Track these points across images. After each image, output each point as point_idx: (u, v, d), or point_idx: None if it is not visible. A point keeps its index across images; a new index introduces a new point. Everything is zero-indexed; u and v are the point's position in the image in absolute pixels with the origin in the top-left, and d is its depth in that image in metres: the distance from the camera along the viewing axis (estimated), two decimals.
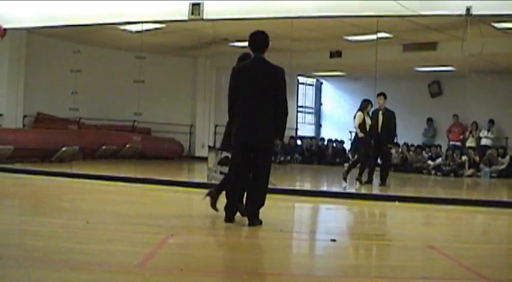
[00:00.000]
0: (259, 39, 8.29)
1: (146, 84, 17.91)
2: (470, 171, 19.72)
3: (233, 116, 8.21)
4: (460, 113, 21.78)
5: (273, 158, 20.37)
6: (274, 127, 8.09)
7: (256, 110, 8.04)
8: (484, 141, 21.53)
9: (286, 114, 8.14)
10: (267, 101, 8.03)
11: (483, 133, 21.65)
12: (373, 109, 15.38)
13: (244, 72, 8.25)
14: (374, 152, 15.33)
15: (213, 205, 8.62)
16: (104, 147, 20.32)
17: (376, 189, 14.41)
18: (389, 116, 15.08)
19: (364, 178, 15.10)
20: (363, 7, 13.45)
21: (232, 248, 7.27)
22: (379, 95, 15.21)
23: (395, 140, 16.04)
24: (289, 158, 23.84)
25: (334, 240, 7.37)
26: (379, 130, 15.07)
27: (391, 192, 13.75)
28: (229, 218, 8.14)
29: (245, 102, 8.06)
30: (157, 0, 15.10)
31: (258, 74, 8.14)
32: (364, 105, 15.14)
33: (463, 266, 6.14)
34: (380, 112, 15.14)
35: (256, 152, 8.13)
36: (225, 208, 8.17)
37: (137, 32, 17.41)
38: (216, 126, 20.74)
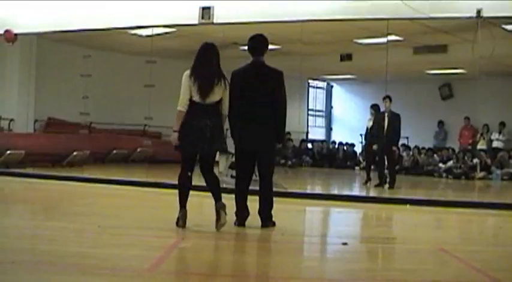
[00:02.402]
0: (258, 41, 8.30)
1: (157, 88, 17.93)
2: (481, 174, 19.66)
3: (232, 119, 8.23)
4: (471, 115, 21.74)
5: (283, 161, 20.41)
6: (274, 130, 8.12)
7: (255, 114, 8.05)
8: (495, 144, 21.50)
9: (285, 117, 8.15)
10: (267, 104, 8.05)
11: (494, 135, 21.61)
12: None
13: (243, 76, 8.26)
14: (380, 154, 15.44)
15: None
16: (114, 151, 20.35)
17: (387, 193, 14.37)
18: (395, 118, 15.10)
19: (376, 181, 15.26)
20: (373, 10, 13.44)
21: (243, 251, 7.26)
22: (384, 98, 15.27)
23: (399, 142, 16.07)
24: (300, 160, 23.86)
25: (345, 244, 7.35)
26: (385, 132, 15.13)
27: (402, 195, 13.71)
28: (240, 221, 8.14)
29: (245, 106, 8.06)
30: (167, 5, 15.14)
31: (257, 78, 8.15)
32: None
33: (474, 269, 6.12)
34: (386, 115, 15.18)
35: (259, 156, 8.16)
36: (236, 212, 8.17)
37: (147, 36, 17.47)
38: (227, 130, 20.77)
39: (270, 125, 8.08)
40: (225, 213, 7.69)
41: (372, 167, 16.18)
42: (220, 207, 7.75)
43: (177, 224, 7.90)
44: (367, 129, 16.37)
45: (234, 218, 8.14)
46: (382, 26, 14.63)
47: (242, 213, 8.13)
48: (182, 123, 7.84)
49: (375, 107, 16.02)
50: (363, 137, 16.47)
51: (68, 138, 18.60)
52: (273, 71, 8.22)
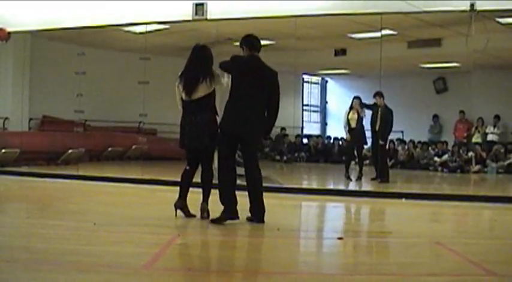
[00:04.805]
0: (255, 38, 8.34)
1: (151, 85, 17.91)
2: (476, 167, 19.68)
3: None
4: (465, 109, 21.75)
5: (278, 157, 20.36)
6: (260, 124, 8.11)
7: (245, 103, 8.05)
8: (490, 137, 21.52)
9: (275, 118, 8.19)
10: (258, 99, 8.06)
11: (489, 129, 21.63)
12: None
13: (243, 64, 8.24)
14: (375, 148, 15.44)
15: None
16: (109, 149, 20.34)
17: (381, 187, 14.37)
18: (387, 113, 15.07)
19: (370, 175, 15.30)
20: (366, 4, 13.45)
21: (239, 247, 7.27)
22: (375, 95, 15.18)
23: (389, 136, 15.86)
24: (295, 156, 23.87)
25: (341, 238, 7.37)
26: (377, 127, 15.09)
27: (397, 189, 13.72)
28: (227, 214, 7.99)
29: (236, 93, 8.07)
30: (161, 1, 15.12)
31: (255, 71, 8.15)
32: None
33: (470, 262, 6.13)
34: (379, 109, 15.13)
35: (241, 144, 8.14)
36: (222, 202, 8.07)
37: (141, 33, 17.44)
38: None
39: (257, 117, 8.06)
40: (207, 216, 8.14)
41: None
42: (203, 209, 8.22)
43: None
44: (348, 121, 15.58)
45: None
46: (376, 21, 14.63)
47: (230, 204, 7.96)
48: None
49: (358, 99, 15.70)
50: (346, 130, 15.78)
51: (62, 136, 18.60)
52: (270, 70, 8.24)
